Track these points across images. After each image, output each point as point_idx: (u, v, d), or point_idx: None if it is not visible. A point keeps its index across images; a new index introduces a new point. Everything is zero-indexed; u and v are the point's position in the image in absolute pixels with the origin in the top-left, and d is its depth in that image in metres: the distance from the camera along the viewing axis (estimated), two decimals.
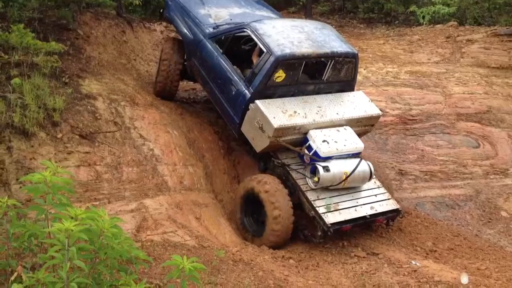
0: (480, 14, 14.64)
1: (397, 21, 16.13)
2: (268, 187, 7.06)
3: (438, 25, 14.05)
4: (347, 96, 8.00)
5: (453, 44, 12.56)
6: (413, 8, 15.36)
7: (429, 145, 9.77)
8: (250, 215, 7.47)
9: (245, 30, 7.80)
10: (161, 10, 9.84)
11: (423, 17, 14.75)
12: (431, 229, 7.86)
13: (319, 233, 6.99)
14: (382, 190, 7.63)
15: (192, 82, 9.74)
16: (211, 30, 8.48)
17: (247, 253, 6.57)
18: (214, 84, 8.09)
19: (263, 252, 6.78)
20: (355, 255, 7.01)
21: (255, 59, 7.93)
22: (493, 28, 12.70)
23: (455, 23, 13.91)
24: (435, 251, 7.25)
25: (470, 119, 10.34)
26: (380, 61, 12.14)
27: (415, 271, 6.55)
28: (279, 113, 7.16)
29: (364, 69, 11.35)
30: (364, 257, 6.97)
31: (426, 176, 9.18)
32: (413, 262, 6.81)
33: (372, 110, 7.95)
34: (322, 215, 6.96)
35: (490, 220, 8.41)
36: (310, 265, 6.71)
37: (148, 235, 6.31)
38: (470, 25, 13.95)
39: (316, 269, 6.63)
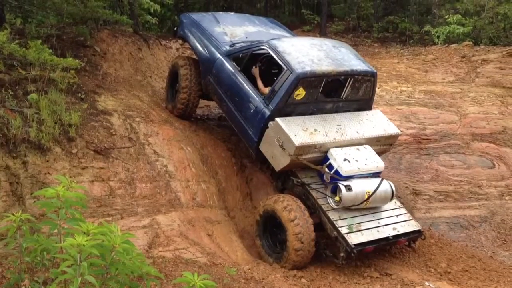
0: (495, 34, 14.58)
1: (411, 41, 16.14)
2: (288, 207, 6.95)
3: (453, 45, 14.03)
4: (366, 115, 7.96)
5: (468, 64, 12.53)
6: (428, 28, 15.37)
7: (444, 165, 9.69)
8: (269, 236, 7.36)
9: (263, 47, 7.80)
10: (175, 28, 9.90)
11: (438, 37, 14.75)
12: (445, 250, 7.76)
13: (342, 254, 6.82)
14: (403, 210, 7.53)
15: (205, 100, 9.79)
16: (228, 47, 8.49)
17: (259, 272, 6.53)
18: (231, 102, 8.05)
19: (274, 270, 6.74)
20: (368, 276, 6.93)
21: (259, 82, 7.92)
22: (509, 48, 12.64)
23: (470, 43, 13.88)
24: (449, 272, 7.15)
25: (485, 139, 10.25)
26: (394, 80, 12.13)
27: None
28: (300, 131, 7.09)
29: (378, 88, 11.33)
30: (377, 278, 6.89)
31: (440, 196, 9.10)
32: (427, 283, 6.72)
33: (391, 129, 7.90)
34: (345, 235, 6.83)
35: (505, 242, 8.29)
36: (322, 285, 6.65)
37: (160, 251, 6.32)
38: (485, 45, 13.91)
39: None
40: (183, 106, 8.96)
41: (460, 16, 14.92)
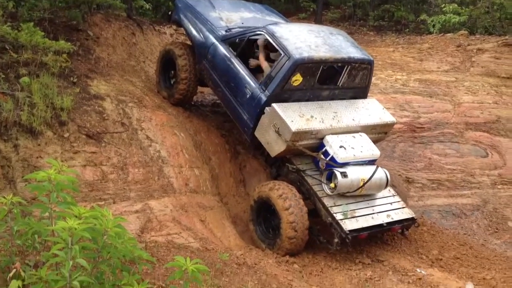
0: (491, 23, 14.57)
1: (407, 29, 16.10)
2: (283, 195, 6.93)
3: (449, 34, 14.00)
4: (361, 103, 7.95)
5: (463, 53, 12.51)
6: (423, 16, 15.33)
7: (437, 154, 9.71)
8: (262, 222, 7.35)
9: (261, 33, 7.73)
10: (170, 13, 9.79)
11: (434, 26, 14.72)
12: (437, 237, 7.80)
13: (336, 240, 6.83)
14: (397, 198, 7.56)
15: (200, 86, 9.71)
16: (224, 32, 8.41)
17: (251, 257, 6.55)
18: (227, 88, 7.99)
19: (267, 256, 6.75)
20: (359, 262, 6.97)
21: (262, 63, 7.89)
22: (504, 38, 12.63)
23: (466, 32, 13.86)
24: (441, 259, 7.19)
25: (479, 129, 10.27)
26: (389, 68, 12.11)
27: (420, 279, 6.51)
28: (296, 117, 7.07)
29: (373, 76, 11.29)
30: (369, 264, 6.93)
31: (433, 185, 9.12)
32: (418, 270, 6.76)
33: (386, 117, 7.91)
34: (339, 221, 6.84)
35: (497, 230, 8.34)
36: (314, 271, 6.68)
37: (152, 236, 6.31)
38: (480, 35, 13.89)
39: (320, 275, 6.60)
40: (182, 97, 8.89)
41: (456, 5, 14.87)
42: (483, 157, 9.76)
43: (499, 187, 9.23)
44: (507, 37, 12.81)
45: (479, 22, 14.68)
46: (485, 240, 8.09)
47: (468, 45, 12.79)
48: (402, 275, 6.62)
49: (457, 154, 9.76)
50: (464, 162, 9.61)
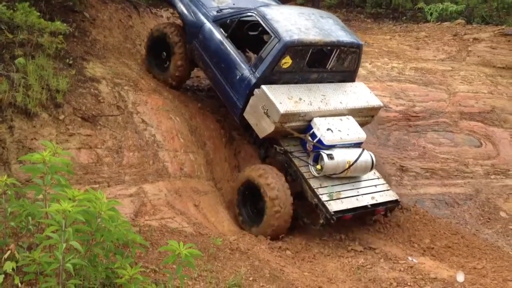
0: (488, 13, 14.57)
1: (404, 17, 16.06)
2: (265, 174, 7.07)
3: (446, 23, 13.97)
4: (349, 86, 8.06)
5: (460, 42, 12.49)
6: (421, 4, 15.31)
7: (431, 143, 9.74)
8: (248, 207, 7.43)
9: (252, 14, 7.76)
10: None
11: (431, 14, 14.69)
12: (429, 226, 7.85)
13: (321, 221, 6.95)
14: (382, 181, 7.67)
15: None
16: (215, 13, 8.41)
17: (244, 242, 6.58)
18: (217, 68, 8.03)
19: (260, 242, 6.78)
20: (352, 249, 7.02)
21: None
22: (501, 28, 12.62)
23: (463, 21, 13.84)
24: (432, 248, 7.25)
25: (473, 118, 10.29)
26: (385, 56, 12.08)
27: (411, 267, 6.57)
28: (285, 99, 7.17)
29: (369, 64, 11.29)
30: (361, 251, 6.98)
31: (426, 173, 9.15)
32: (410, 258, 6.82)
33: (373, 101, 8.03)
34: (325, 203, 6.96)
35: (489, 220, 8.39)
36: (307, 257, 6.73)
37: (146, 220, 6.32)
38: (477, 24, 13.87)
39: (313, 261, 6.64)
40: (180, 73, 8.85)
41: None
42: (477, 147, 9.79)
43: (492, 177, 9.28)
44: (503, 27, 12.81)
45: (476, 11, 14.67)
46: (477, 230, 8.14)
47: (465, 34, 12.77)
48: (394, 263, 6.68)
49: (451, 143, 9.78)
50: (458, 151, 9.63)
